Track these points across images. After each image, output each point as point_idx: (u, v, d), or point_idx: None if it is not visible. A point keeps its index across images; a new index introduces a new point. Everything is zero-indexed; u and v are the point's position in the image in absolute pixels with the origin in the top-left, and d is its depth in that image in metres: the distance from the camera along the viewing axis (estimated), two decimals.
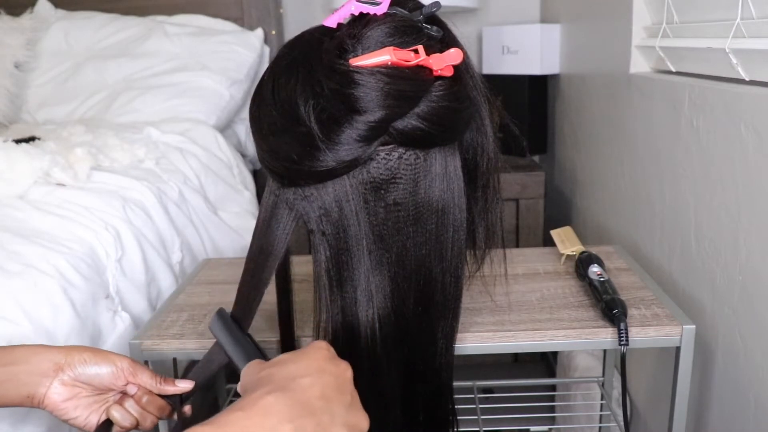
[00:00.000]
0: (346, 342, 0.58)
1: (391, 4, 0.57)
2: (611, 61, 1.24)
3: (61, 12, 1.89)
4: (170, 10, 1.89)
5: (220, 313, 0.65)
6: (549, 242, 1.02)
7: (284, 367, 0.48)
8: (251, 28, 1.87)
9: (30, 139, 1.24)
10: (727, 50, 0.80)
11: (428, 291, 0.60)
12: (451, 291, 0.62)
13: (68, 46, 1.80)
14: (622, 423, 1.01)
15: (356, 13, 0.57)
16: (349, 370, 0.50)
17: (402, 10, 0.57)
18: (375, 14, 0.56)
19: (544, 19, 1.89)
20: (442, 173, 0.58)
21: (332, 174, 0.55)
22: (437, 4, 0.57)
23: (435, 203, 0.58)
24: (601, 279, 0.81)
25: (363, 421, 0.48)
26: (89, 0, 1.91)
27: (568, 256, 0.93)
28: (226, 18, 1.88)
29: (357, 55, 0.54)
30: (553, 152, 1.82)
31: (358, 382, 0.50)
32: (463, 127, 0.60)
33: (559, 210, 1.75)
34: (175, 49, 1.74)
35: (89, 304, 0.92)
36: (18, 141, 1.17)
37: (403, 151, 0.56)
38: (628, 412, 1.00)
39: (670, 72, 1.03)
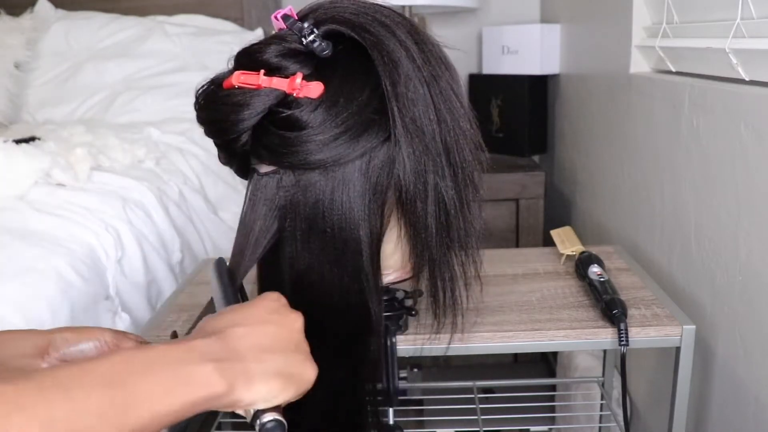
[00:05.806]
0: None
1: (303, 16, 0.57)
2: (611, 61, 1.24)
3: (61, 12, 1.89)
4: (170, 10, 1.89)
5: (218, 262, 0.63)
6: (549, 242, 1.02)
7: (224, 316, 0.48)
8: (251, 28, 1.87)
9: (30, 140, 1.23)
10: (727, 50, 0.80)
11: (323, 319, 0.57)
12: (354, 320, 0.59)
13: (68, 46, 1.80)
14: (622, 423, 1.01)
15: (276, 29, 0.58)
16: (299, 321, 0.49)
17: (302, 24, 0.55)
18: (280, 29, 0.57)
19: (544, 19, 1.89)
20: (321, 195, 0.56)
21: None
22: (297, 23, 0.55)
23: (320, 225, 0.56)
24: (601, 279, 0.81)
25: (307, 371, 0.46)
26: (89, 0, 1.91)
27: (568, 256, 0.93)
28: (226, 18, 1.88)
29: (226, 78, 0.56)
30: (553, 152, 1.82)
31: None
32: (311, 151, 0.54)
33: (559, 210, 1.75)
34: (175, 49, 1.74)
35: (89, 305, 0.92)
36: (18, 141, 1.16)
37: (283, 173, 0.56)
38: (628, 412, 1.00)
39: (670, 72, 1.03)
